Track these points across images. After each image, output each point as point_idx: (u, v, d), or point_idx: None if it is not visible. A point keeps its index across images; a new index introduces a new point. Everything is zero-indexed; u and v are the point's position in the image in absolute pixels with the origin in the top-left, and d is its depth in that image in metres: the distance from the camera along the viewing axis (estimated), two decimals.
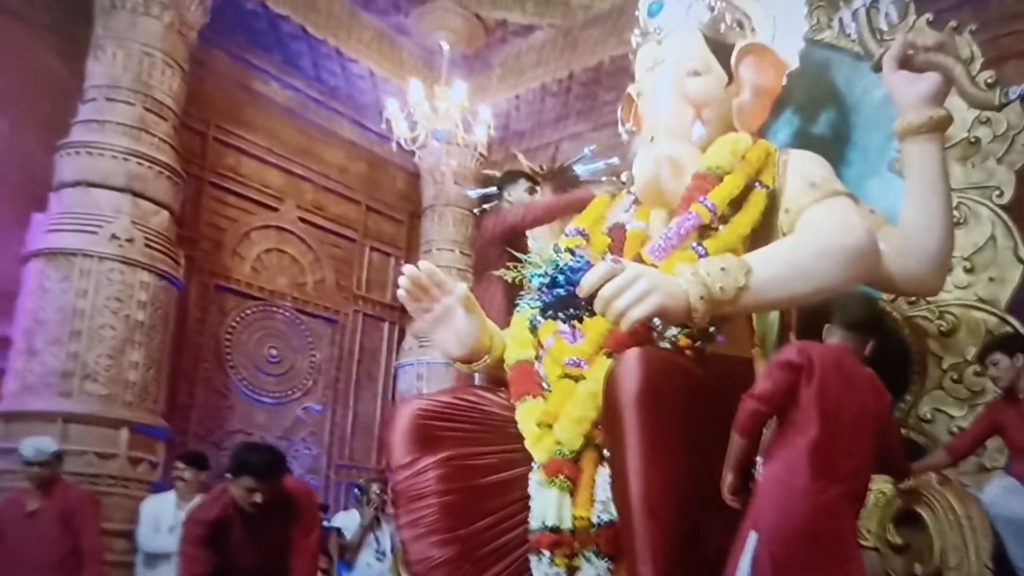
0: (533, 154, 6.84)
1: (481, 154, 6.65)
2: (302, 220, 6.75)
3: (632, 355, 1.72)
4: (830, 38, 2.96)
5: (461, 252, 6.87)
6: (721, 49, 2.58)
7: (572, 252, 1.93)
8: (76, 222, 4.67)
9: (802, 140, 2.86)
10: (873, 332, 1.92)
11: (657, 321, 1.85)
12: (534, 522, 2.00)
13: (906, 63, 2.21)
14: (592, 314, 1.88)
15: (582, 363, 2.06)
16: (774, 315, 2.21)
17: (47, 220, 4.74)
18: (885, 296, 2.59)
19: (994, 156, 2.55)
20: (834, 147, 2.79)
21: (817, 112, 2.99)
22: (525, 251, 2.53)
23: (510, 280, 2.06)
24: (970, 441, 2.44)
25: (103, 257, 4.61)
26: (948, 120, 2.20)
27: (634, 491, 1.63)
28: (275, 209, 6.59)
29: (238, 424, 5.91)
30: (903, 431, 2.53)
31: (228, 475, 2.81)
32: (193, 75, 5.49)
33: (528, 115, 6.79)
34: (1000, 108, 2.27)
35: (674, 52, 2.58)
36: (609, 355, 2.00)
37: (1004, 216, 2.51)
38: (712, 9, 2.62)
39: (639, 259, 2.08)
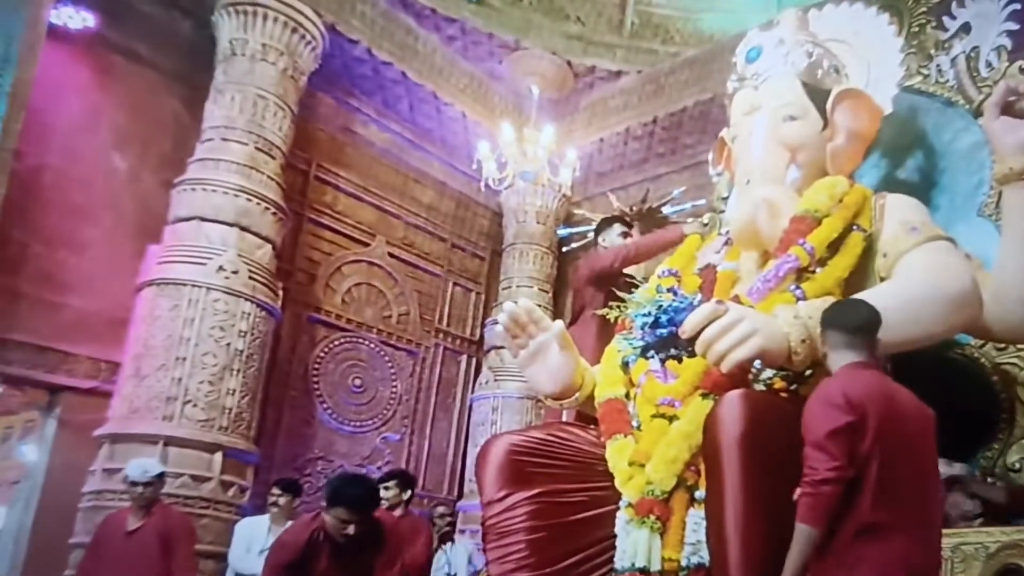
0: (614, 195, 6.89)
1: (564, 195, 6.73)
2: (391, 255, 6.97)
3: (735, 397, 1.71)
4: (919, 84, 2.92)
5: (540, 289, 6.93)
6: (817, 94, 2.59)
7: (674, 292, 1.95)
8: (187, 254, 4.94)
9: (890, 184, 2.81)
10: (875, 331, 1.75)
11: (758, 363, 1.83)
12: (621, 561, 1.99)
13: (1007, 109, 2.16)
14: (693, 354, 1.89)
15: (676, 403, 2.05)
16: None
17: (161, 252, 5.04)
18: (974, 342, 2.49)
19: None
20: (922, 191, 2.73)
21: (905, 156, 2.94)
22: (621, 290, 2.55)
23: (612, 319, 2.08)
24: None
25: (210, 288, 4.85)
26: None
27: (731, 536, 1.61)
28: (367, 244, 6.84)
29: (319, 451, 6.06)
30: (989, 480, 2.41)
31: (323, 504, 2.88)
32: (299, 116, 5.81)
33: (611, 157, 6.86)
34: None
35: (771, 98, 2.59)
36: (705, 396, 2.00)
37: None
38: (810, 56, 2.63)
39: (736, 300, 2.08)
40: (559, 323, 2.40)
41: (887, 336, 1.85)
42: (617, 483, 2.07)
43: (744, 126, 2.65)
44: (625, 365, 2.33)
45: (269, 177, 5.33)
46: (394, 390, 6.64)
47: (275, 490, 4.41)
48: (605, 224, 3.78)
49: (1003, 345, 2.41)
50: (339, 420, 6.22)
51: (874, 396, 1.60)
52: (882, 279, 2.11)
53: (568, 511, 2.13)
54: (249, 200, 5.15)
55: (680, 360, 1.95)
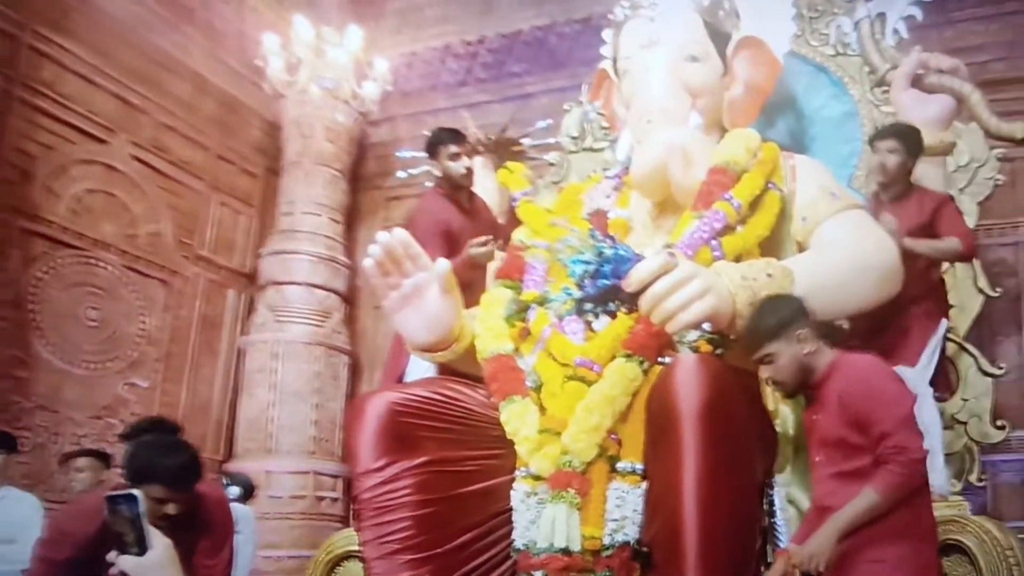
0: (419, 119, 6.59)
1: (363, 112, 6.28)
2: (137, 159, 6.00)
3: (692, 362, 1.66)
4: (791, 44, 3.07)
5: (331, 218, 6.46)
6: (719, 37, 2.61)
7: (613, 239, 1.83)
8: None
9: None
10: None
11: (707, 326, 1.79)
12: (522, 539, 1.89)
13: (916, 82, 2.35)
14: (633, 310, 1.80)
15: (595, 366, 1.95)
16: None
17: None
18: None
19: (957, 187, 2.77)
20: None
21: (775, 116, 3.10)
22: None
23: (546, 262, 1.91)
24: None
25: None
26: (953, 146, 2.38)
27: (690, 510, 1.57)
28: (103, 141, 5.79)
29: (39, 399, 5.11)
30: None
31: (127, 481, 2.28)
32: None
33: (423, 75, 6.52)
34: (1022, 142, 2.45)
35: (672, 33, 2.57)
36: (628, 357, 1.92)
37: None
38: None
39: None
40: (443, 262, 2.19)
41: (823, 303, 1.93)
42: (523, 452, 1.94)
43: (639, 60, 2.60)
44: (522, 311, 2.19)
45: None
46: (143, 326, 5.78)
47: None
48: (437, 141, 3.39)
49: None
50: (67, 361, 5.28)
51: None
52: (799, 243, 2.20)
53: (459, 482, 1.98)
54: None
55: (614, 316, 1.86)
